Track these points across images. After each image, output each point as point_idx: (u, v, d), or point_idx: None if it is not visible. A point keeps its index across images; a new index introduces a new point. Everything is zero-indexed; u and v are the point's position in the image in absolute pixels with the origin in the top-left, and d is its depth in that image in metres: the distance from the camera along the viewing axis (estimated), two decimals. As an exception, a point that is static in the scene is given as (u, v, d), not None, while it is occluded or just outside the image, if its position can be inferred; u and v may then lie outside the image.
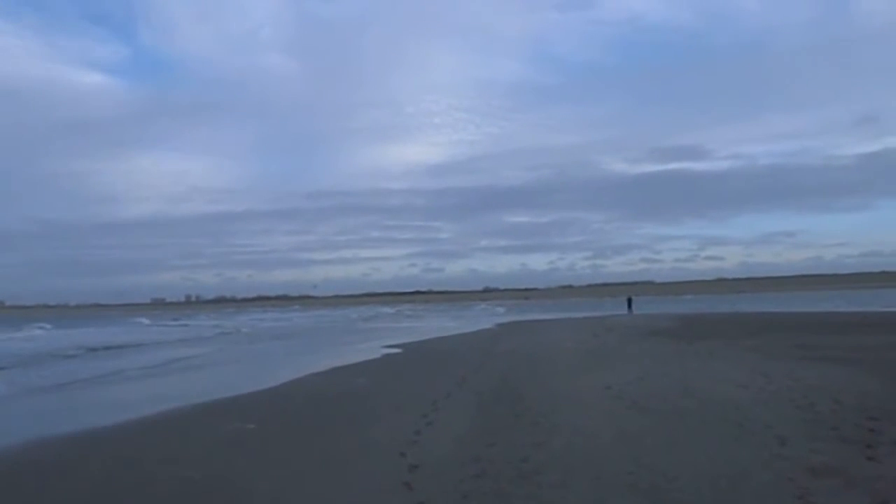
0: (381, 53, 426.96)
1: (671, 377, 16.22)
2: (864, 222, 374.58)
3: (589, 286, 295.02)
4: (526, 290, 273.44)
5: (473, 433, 10.73)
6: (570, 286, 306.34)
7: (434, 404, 13.49)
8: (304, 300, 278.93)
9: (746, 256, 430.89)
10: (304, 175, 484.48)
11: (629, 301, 69.79)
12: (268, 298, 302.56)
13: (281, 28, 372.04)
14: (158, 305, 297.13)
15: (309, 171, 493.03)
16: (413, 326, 57.16)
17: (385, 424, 11.88)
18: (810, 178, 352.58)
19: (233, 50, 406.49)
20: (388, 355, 26.88)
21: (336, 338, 43.89)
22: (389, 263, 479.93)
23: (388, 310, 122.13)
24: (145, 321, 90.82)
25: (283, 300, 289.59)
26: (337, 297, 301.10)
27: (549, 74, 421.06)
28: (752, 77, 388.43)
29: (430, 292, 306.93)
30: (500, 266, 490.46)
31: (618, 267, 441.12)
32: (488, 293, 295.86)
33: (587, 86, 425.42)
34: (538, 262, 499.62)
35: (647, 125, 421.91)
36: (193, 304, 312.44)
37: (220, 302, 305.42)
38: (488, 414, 12.36)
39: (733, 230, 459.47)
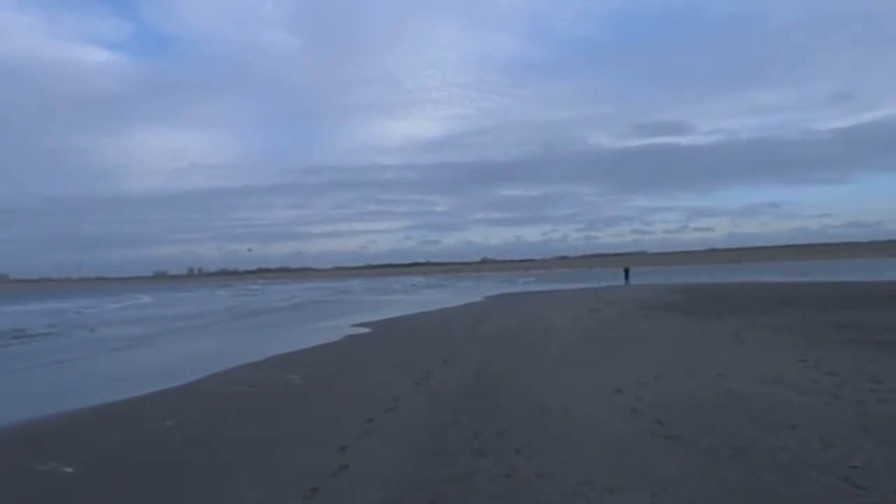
0: (380, 30, 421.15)
1: (698, 373, 11.84)
2: (845, 194, 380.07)
3: (584, 257, 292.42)
4: (522, 261, 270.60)
5: (403, 491, 6.39)
6: (566, 257, 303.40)
7: (368, 423, 9.16)
8: (305, 272, 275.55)
9: (734, 227, 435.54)
10: (303, 150, 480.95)
11: (626, 271, 65.50)
12: (269, 271, 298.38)
13: (282, 4, 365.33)
14: (161, 278, 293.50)
15: (307, 146, 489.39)
16: (398, 300, 52.71)
17: (267, 476, 7.48)
18: (791, 152, 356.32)
19: (234, 26, 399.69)
20: (350, 337, 22.48)
21: (310, 313, 39.42)
22: (386, 236, 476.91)
23: (384, 282, 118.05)
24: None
25: (283, 272, 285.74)
26: (337, 269, 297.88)
27: (544, 49, 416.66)
28: (734, 53, 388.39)
29: (427, 264, 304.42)
30: (495, 238, 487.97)
31: (610, 238, 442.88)
32: (486, 264, 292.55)
33: (581, 61, 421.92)
34: (532, 234, 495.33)
35: (631, 101, 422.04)
36: (196, 276, 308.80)
37: (223, 275, 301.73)
38: (439, 446, 7.96)
39: (720, 202, 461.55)
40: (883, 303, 25.83)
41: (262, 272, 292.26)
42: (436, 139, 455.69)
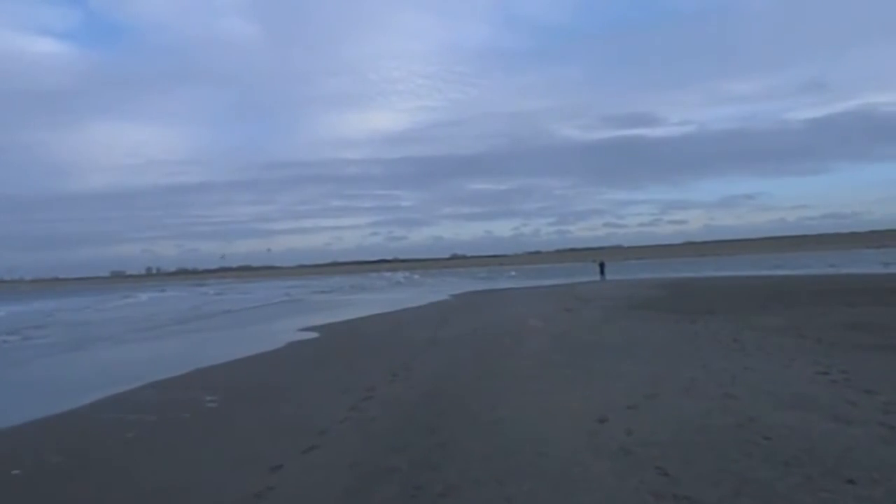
0: (343, 18, 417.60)
1: (700, 391, 9.85)
2: (821, 184, 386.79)
3: (557, 251, 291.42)
4: (494, 256, 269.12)
5: None
6: (539, 252, 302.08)
7: (273, 473, 7.05)
8: (267, 271, 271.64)
9: (709, 220, 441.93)
10: (264, 145, 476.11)
11: (601, 266, 63.75)
12: (230, 270, 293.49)
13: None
14: (119, 278, 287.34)
15: (268, 140, 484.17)
16: (358, 299, 50.41)
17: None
18: (764, 142, 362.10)
19: (190, 15, 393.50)
20: (293, 344, 20.22)
21: (258, 315, 37.00)
22: (352, 232, 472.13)
23: (350, 280, 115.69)
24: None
25: (245, 271, 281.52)
26: (301, 267, 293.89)
27: (513, 38, 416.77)
28: (706, 41, 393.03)
29: (395, 260, 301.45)
30: (465, 233, 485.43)
31: (582, 232, 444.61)
32: (456, 260, 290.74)
33: (551, 50, 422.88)
34: (503, 229, 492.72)
35: (601, 92, 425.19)
36: (155, 276, 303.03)
37: (183, 274, 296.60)
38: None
39: (694, 194, 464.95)
40: (888, 298, 24.14)
41: (223, 271, 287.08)
42: (402, 132, 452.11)
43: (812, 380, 10.33)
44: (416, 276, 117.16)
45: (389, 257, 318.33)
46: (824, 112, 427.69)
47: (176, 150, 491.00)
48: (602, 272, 62.04)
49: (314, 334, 22.92)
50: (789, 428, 7.62)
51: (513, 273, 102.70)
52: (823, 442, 7.04)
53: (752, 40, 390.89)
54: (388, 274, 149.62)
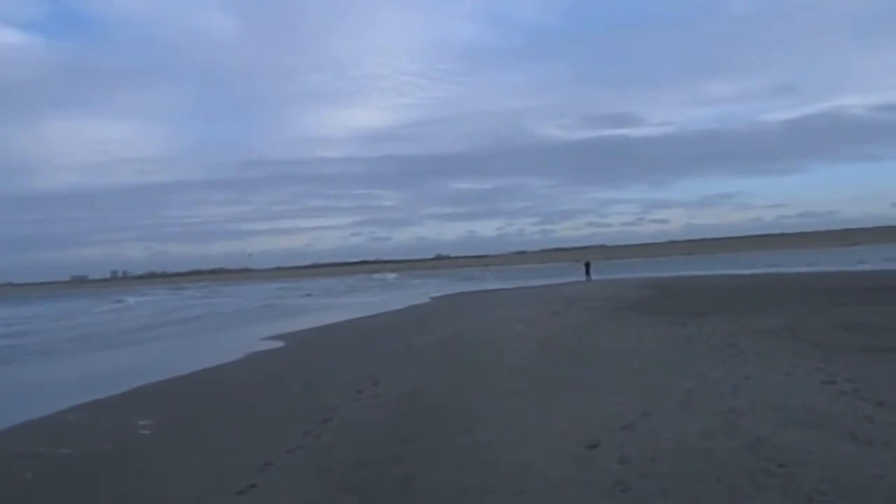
0: (325, 13, 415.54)
1: (700, 407, 9.04)
2: (797, 184, 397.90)
3: (542, 251, 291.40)
4: (479, 256, 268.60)
5: None
6: (524, 252, 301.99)
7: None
8: (243, 274, 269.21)
9: (690, 219, 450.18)
10: (241, 142, 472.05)
11: (587, 266, 63.07)
12: (202, 273, 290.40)
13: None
14: (80, 283, 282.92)
15: (245, 138, 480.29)
16: (334, 303, 49.40)
17: None
18: (741, 143, 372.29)
19: (163, 6, 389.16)
20: (255, 355, 19.26)
21: (226, 322, 35.86)
22: (332, 233, 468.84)
23: (329, 282, 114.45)
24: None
25: (219, 274, 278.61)
26: (278, 269, 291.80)
27: (500, 38, 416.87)
28: (686, 43, 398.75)
29: (378, 261, 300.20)
30: (448, 233, 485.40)
31: (566, 232, 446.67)
32: (440, 261, 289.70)
33: (535, 49, 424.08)
34: (486, 229, 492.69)
35: (582, 92, 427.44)
36: (120, 280, 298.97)
37: (151, 277, 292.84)
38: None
39: (675, 193, 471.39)
40: (877, 296, 23.52)
41: (195, 274, 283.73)
42: (384, 130, 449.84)
43: (819, 390, 9.58)
44: (399, 278, 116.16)
45: (371, 258, 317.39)
46: (797, 114, 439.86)
47: (146, 148, 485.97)
48: (587, 272, 61.37)
49: (279, 343, 21.97)
50: (805, 451, 6.83)
51: (487, 275, 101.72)
52: (847, 469, 6.25)
53: (729, 43, 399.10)
54: (369, 276, 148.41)
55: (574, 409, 9.48)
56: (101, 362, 21.07)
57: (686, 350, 14.21)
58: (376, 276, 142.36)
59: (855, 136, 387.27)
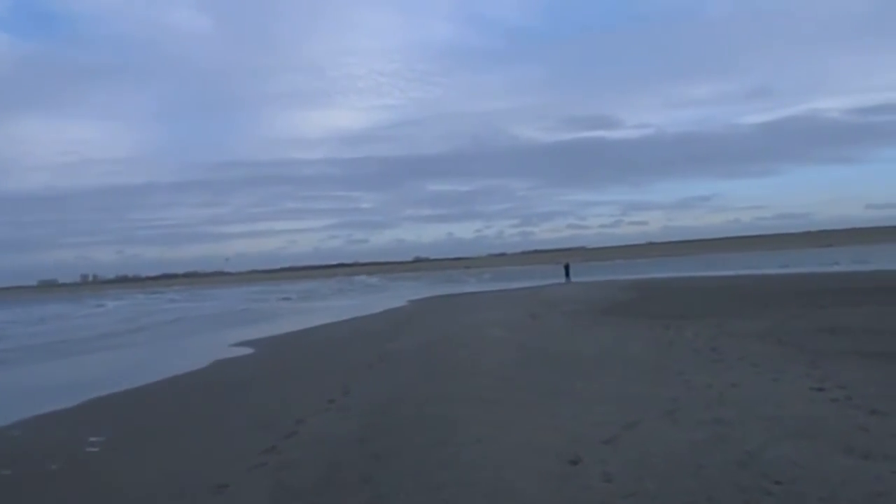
0: (301, 12, 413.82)
1: (685, 417, 8.66)
2: (773, 186, 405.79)
3: (522, 253, 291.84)
4: (458, 259, 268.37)
5: None
6: (503, 254, 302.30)
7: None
8: (218, 277, 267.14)
9: (668, 220, 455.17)
10: (214, 143, 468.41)
11: (567, 268, 62.99)
12: (175, 276, 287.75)
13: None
14: (48, 287, 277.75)
15: (220, 139, 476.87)
16: (308, 307, 48.75)
17: None
18: (717, 145, 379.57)
19: (135, 3, 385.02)
20: (222, 363, 18.69)
21: (198, 327, 35.21)
22: (309, 235, 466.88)
23: (306, 285, 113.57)
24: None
25: (193, 277, 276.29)
26: (253, 272, 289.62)
27: (478, 37, 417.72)
28: (663, 46, 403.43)
29: (355, 264, 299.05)
30: (427, 235, 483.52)
31: (546, 234, 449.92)
32: (419, 263, 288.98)
33: (513, 50, 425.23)
34: (465, 231, 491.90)
35: (560, 94, 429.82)
36: (90, 284, 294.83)
37: (123, 282, 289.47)
38: None
39: (653, 195, 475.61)
40: (857, 298, 23.39)
41: (167, 278, 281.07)
42: (361, 131, 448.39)
43: (809, 398, 9.25)
44: (377, 281, 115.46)
45: (349, 261, 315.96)
46: (773, 116, 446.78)
47: (117, 149, 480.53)
48: (567, 274, 61.29)
49: (249, 350, 21.42)
50: (799, 466, 6.46)
51: (467, 278, 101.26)
52: (846, 485, 5.87)
53: (706, 46, 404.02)
54: (346, 278, 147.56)
55: (555, 420, 9.08)
56: (57, 371, 20.40)
57: (669, 355, 13.88)
58: (354, 278, 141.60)
59: (830, 139, 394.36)
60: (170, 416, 11.90)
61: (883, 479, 6.00)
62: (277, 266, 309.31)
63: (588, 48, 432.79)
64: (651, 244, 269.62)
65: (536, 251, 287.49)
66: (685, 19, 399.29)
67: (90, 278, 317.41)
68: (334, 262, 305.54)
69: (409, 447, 8.24)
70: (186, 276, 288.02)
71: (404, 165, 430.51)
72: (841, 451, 6.83)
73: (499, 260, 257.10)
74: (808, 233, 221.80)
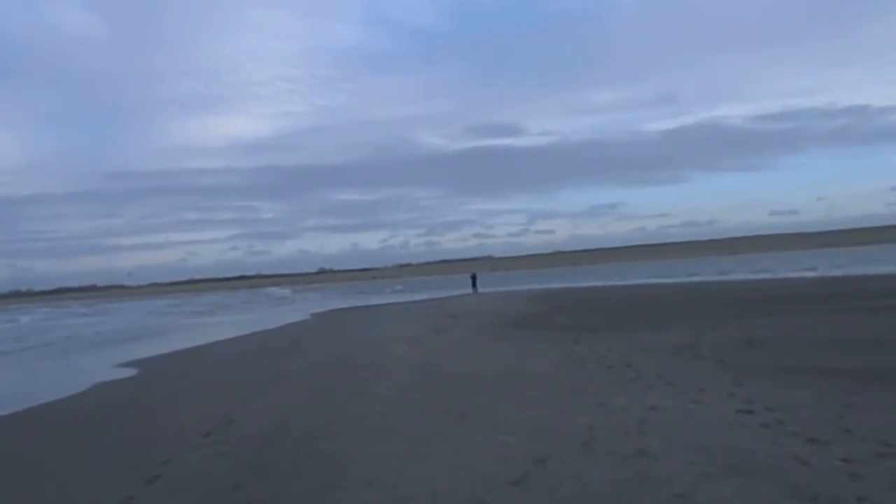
0: (198, 14, 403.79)
1: (604, 449, 7.65)
2: (678, 194, 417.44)
3: (427, 264, 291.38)
4: (363, 270, 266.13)
5: None
6: (409, 264, 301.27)
7: None
8: (116, 290, 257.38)
9: (574, 229, 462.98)
10: (107, 153, 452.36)
11: (473, 278, 62.30)
12: (70, 290, 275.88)
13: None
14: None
15: (113, 147, 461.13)
16: (209, 322, 46.52)
17: None
18: (623, 153, 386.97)
19: (18, 3, 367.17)
20: (99, 386, 16.92)
21: (89, 343, 32.77)
22: (209, 247, 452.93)
23: (207, 298, 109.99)
24: None
25: (90, 291, 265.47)
26: (153, 285, 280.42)
27: (384, 41, 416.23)
28: (569, 51, 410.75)
29: (258, 276, 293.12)
30: (331, 246, 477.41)
31: (452, 243, 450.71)
32: (324, 275, 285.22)
33: (418, 55, 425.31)
34: (370, 241, 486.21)
35: (465, 100, 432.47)
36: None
37: (15, 296, 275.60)
38: None
39: (559, 203, 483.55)
40: (771, 308, 23.21)
41: (62, 292, 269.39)
42: (262, 139, 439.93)
43: (738, 423, 8.38)
44: (279, 293, 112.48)
45: (252, 273, 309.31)
46: (677, 124, 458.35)
47: (2, 158, 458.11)
48: (474, 285, 60.60)
49: (132, 371, 19.61)
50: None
51: (386, 287, 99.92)
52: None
53: (612, 52, 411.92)
54: (249, 291, 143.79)
55: (456, 455, 7.94)
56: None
57: (581, 373, 12.95)
58: (256, 291, 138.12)
59: (734, 146, 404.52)
60: (26, 452, 10.29)
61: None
62: (178, 279, 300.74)
63: (494, 53, 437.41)
64: (558, 253, 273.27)
65: (443, 261, 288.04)
66: (589, 24, 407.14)
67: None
68: (236, 275, 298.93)
69: (288, 494, 6.98)
70: (83, 289, 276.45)
71: (307, 174, 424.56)
72: (784, 493, 5.90)
73: (405, 270, 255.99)
74: (714, 240, 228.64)
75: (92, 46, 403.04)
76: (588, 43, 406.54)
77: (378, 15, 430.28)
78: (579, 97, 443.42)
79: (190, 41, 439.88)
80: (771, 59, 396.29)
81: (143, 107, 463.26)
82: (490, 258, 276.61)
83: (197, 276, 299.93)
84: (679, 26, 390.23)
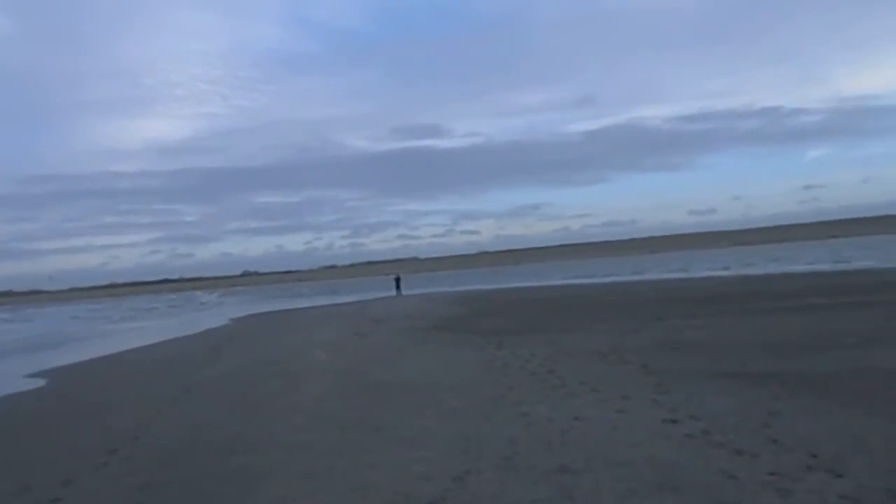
0: (114, 14, 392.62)
1: (525, 462, 7.31)
2: (600, 194, 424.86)
3: (352, 265, 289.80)
4: (288, 272, 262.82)
5: None
6: (334, 266, 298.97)
7: None
8: (34, 296, 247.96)
9: (499, 229, 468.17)
10: (23, 155, 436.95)
11: (397, 280, 61.67)
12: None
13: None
14: None
15: (28, 150, 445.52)
16: (126, 328, 44.94)
17: None
18: (546, 154, 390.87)
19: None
20: (5, 399, 15.94)
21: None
22: (130, 251, 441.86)
23: (127, 303, 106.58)
24: None
25: (7, 296, 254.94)
26: (73, 290, 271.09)
27: (306, 41, 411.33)
28: (493, 53, 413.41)
29: (181, 280, 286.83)
30: (255, 249, 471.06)
31: (377, 245, 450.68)
32: (248, 277, 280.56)
33: (340, 56, 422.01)
34: (294, 243, 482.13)
35: (388, 102, 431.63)
36: None
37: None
38: None
39: (484, 204, 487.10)
40: (693, 309, 23.30)
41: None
42: (182, 141, 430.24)
43: (662, 433, 8.14)
44: (208, 296, 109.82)
45: (174, 276, 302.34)
46: (598, 125, 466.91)
47: None
48: (398, 287, 59.99)
49: (41, 382, 18.59)
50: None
51: (295, 292, 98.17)
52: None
53: (536, 54, 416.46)
54: (170, 295, 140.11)
55: (375, 471, 7.50)
56: None
57: (503, 379, 12.64)
58: (179, 294, 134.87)
59: (654, 147, 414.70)
60: None
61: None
62: (99, 283, 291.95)
63: (418, 55, 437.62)
64: (483, 253, 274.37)
65: (368, 262, 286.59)
66: (514, 27, 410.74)
67: None
68: (159, 278, 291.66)
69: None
70: (1, 294, 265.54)
71: (228, 177, 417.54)
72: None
73: (330, 272, 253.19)
74: (635, 239, 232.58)
75: (6, 48, 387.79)
76: (511, 46, 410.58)
77: (299, 16, 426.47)
78: (503, 99, 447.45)
79: (106, 42, 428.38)
80: (690, 61, 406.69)
81: (59, 109, 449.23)
82: (415, 259, 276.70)
83: (119, 281, 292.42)
84: (599, 29, 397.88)
